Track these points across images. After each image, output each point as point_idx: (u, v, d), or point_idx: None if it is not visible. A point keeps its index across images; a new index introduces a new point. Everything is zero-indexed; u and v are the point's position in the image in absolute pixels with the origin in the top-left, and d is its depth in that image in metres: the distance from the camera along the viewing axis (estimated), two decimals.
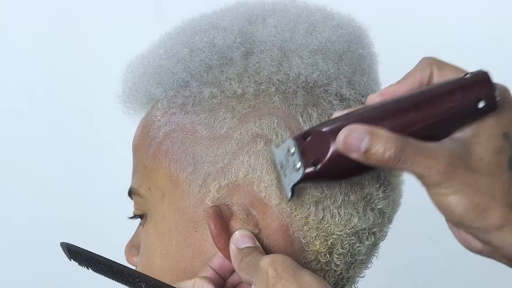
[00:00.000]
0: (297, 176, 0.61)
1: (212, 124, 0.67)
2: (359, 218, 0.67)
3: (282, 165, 0.63)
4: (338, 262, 0.67)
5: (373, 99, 0.62)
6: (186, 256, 0.68)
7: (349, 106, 0.69)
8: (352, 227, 0.67)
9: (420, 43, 1.37)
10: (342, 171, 0.61)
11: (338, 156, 0.59)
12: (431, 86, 0.62)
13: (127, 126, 0.79)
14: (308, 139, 0.61)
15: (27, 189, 1.56)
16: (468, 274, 1.32)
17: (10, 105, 1.55)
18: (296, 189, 0.63)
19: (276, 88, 0.67)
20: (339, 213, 0.66)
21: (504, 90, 0.62)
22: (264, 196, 0.65)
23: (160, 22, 1.40)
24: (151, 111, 0.72)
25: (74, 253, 0.66)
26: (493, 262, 0.61)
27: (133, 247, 0.76)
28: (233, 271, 0.66)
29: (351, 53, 0.70)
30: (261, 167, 0.65)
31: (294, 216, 0.66)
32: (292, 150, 0.62)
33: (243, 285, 0.67)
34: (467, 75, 0.61)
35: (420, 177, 0.59)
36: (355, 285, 0.72)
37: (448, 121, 0.60)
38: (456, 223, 0.61)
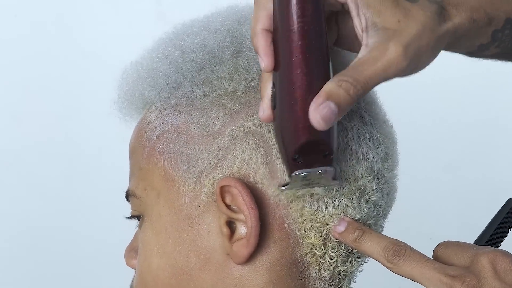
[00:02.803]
0: None
1: (205, 122, 0.68)
2: (354, 208, 0.67)
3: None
4: (332, 254, 0.68)
5: None
6: (182, 252, 0.68)
7: None
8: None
9: None
10: None
11: None
12: None
13: (128, 127, 0.80)
14: None
15: (27, 189, 1.56)
16: None
17: (10, 105, 1.55)
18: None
19: None
20: (333, 204, 0.67)
21: None
22: (261, 188, 0.66)
23: (160, 22, 1.40)
24: (145, 114, 0.73)
25: None
26: None
27: (132, 250, 0.76)
28: None
29: None
30: (255, 160, 0.66)
31: (290, 208, 0.66)
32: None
33: None
34: None
35: None
36: (353, 280, 0.73)
37: None
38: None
